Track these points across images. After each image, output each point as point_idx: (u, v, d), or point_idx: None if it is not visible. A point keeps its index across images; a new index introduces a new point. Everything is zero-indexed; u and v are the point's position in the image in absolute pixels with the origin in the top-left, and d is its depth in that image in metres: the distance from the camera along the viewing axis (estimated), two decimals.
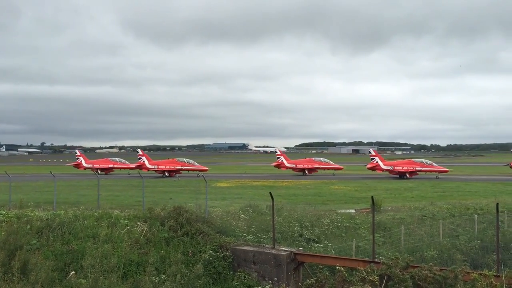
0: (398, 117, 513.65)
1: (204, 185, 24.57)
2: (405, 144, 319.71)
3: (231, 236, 19.69)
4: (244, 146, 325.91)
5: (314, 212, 26.10)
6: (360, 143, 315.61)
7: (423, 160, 68.51)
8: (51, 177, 27.54)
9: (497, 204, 15.74)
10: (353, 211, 28.58)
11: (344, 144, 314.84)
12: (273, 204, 18.91)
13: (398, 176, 63.19)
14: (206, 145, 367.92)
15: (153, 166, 68.57)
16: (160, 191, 41.23)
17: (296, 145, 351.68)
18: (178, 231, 19.29)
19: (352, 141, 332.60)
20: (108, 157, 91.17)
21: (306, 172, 70.42)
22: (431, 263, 14.81)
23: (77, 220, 19.23)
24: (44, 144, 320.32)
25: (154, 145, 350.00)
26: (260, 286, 16.94)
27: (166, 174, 67.11)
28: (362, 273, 12.91)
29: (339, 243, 20.55)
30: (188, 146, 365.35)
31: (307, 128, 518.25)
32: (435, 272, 13.22)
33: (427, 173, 63.65)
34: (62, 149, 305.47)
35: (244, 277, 17.51)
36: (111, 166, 74.04)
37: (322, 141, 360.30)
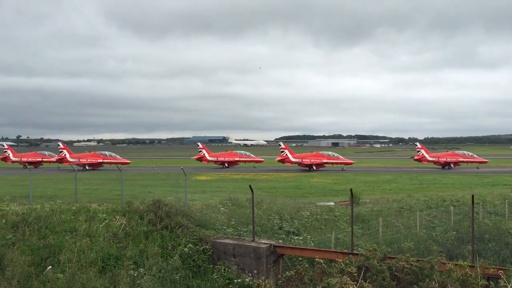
0: (377, 111, 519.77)
1: (184, 178, 24.43)
2: (384, 137, 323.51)
3: (211, 229, 19.67)
4: (224, 139, 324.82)
5: (294, 205, 26.23)
6: (340, 136, 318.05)
7: None
8: (28, 171, 27.01)
9: (473, 196, 16.03)
10: (332, 203, 28.83)
11: (324, 137, 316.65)
12: (253, 197, 18.93)
13: None
14: (186, 138, 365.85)
15: (297, 160, 65.75)
16: (140, 184, 40.87)
17: (276, 138, 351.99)
18: (157, 224, 19.17)
19: (331, 134, 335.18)
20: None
21: (452, 165, 67.50)
22: (408, 254, 15.02)
23: (54, 214, 18.92)
24: (20, 137, 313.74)
25: (133, 138, 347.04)
26: (240, 279, 16.97)
27: (314, 167, 64.71)
28: (341, 265, 13.02)
29: (318, 235, 20.72)
30: (168, 139, 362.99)
31: (288, 121, 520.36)
32: (412, 263, 13.41)
33: None
34: (39, 142, 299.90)
35: (224, 270, 17.52)
36: (237, 159, 72.19)
37: (302, 134, 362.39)
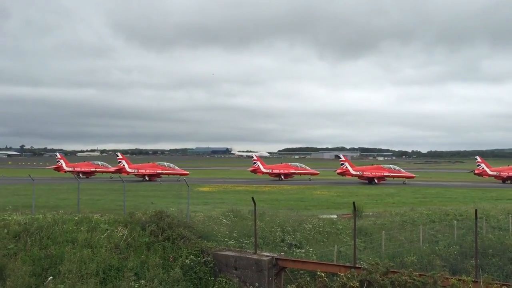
0: (381, 124, 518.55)
1: (186, 190, 24.42)
2: (387, 150, 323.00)
3: (212, 241, 19.60)
4: (227, 151, 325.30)
5: (296, 217, 26.11)
6: (343, 149, 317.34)
7: None
8: (30, 181, 27.06)
9: (476, 210, 15.97)
10: (335, 216, 28.69)
11: (327, 149, 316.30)
12: (255, 209, 18.88)
13: None
14: (189, 149, 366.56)
15: (358, 173, 64.96)
16: (142, 195, 40.83)
17: (279, 150, 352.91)
18: (159, 235, 19.14)
19: (335, 146, 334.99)
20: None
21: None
22: (410, 269, 14.94)
23: (56, 225, 18.94)
24: (24, 147, 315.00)
25: (136, 149, 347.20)
26: None
27: (376, 181, 63.69)
28: (343, 279, 12.97)
29: (320, 248, 20.61)
30: (171, 150, 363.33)
31: (291, 133, 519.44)
32: (415, 277, 13.33)
33: None
34: (42, 152, 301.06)
35: (226, 282, 17.44)
36: (293, 171, 71.65)
37: (305, 146, 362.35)
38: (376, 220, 26.90)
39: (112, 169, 69.88)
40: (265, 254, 18.10)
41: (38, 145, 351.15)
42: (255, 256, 17.71)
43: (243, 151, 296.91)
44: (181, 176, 65.91)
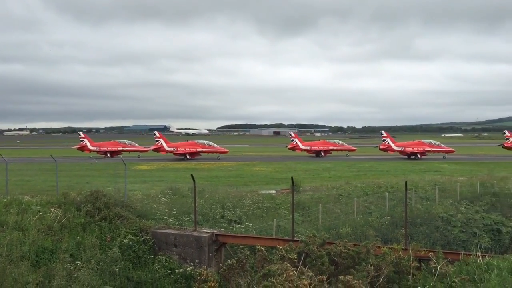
0: (318, 100, 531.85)
1: (123, 168, 23.83)
2: (324, 126, 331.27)
3: (151, 220, 19.38)
4: (165, 128, 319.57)
5: (236, 194, 26.34)
6: (281, 125, 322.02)
7: None
8: None
9: (406, 182, 16.79)
10: (273, 191, 29.20)
11: (265, 126, 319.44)
12: (194, 186, 18.80)
13: None
14: (126, 127, 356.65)
15: (400, 148, 65.28)
16: (76, 175, 39.43)
17: (218, 127, 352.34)
18: (96, 216, 18.63)
19: (273, 123, 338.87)
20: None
21: None
22: (345, 239, 15.54)
23: None
24: None
25: (69, 127, 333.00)
26: (182, 268, 16.85)
27: (419, 156, 63.64)
28: (282, 252, 13.23)
29: (260, 223, 20.96)
30: (106, 128, 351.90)
31: (231, 110, 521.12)
32: (349, 247, 13.88)
33: None
34: None
35: (165, 260, 17.33)
36: (331, 148, 69.83)
37: (244, 123, 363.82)
38: (314, 194, 27.69)
39: (149, 148, 66.93)
40: (205, 230, 18.14)
41: None
42: (195, 233, 17.72)
43: (182, 128, 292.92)
44: (221, 154, 64.72)
